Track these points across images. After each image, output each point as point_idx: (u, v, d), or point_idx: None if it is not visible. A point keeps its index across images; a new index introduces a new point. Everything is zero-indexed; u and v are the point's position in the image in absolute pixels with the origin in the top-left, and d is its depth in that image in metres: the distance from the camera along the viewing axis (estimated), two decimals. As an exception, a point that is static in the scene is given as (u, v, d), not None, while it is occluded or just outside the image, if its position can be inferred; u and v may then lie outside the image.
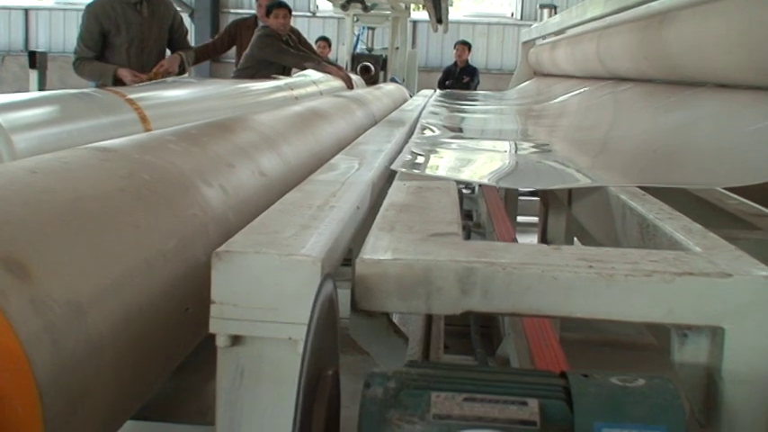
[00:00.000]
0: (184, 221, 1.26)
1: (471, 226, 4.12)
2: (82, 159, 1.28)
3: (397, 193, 1.23)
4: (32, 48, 13.13)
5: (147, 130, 2.39)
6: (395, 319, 1.75)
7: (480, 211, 3.99)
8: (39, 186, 1.06)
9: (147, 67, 4.21)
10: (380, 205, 1.20)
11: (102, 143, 1.44)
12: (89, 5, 4.25)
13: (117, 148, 1.41)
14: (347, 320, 1.26)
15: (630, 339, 3.00)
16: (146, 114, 2.27)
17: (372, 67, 8.43)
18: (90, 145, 1.42)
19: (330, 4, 8.62)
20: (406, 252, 0.83)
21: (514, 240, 2.85)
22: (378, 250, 0.83)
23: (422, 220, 1.01)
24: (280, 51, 5.64)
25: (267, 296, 0.81)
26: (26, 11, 14.21)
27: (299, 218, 1.00)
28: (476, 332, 2.40)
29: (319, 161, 2.15)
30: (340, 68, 6.16)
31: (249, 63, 5.72)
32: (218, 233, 1.31)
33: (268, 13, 5.75)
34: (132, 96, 2.38)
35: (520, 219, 4.38)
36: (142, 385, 1.07)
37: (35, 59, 7.06)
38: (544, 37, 5.88)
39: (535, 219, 3.90)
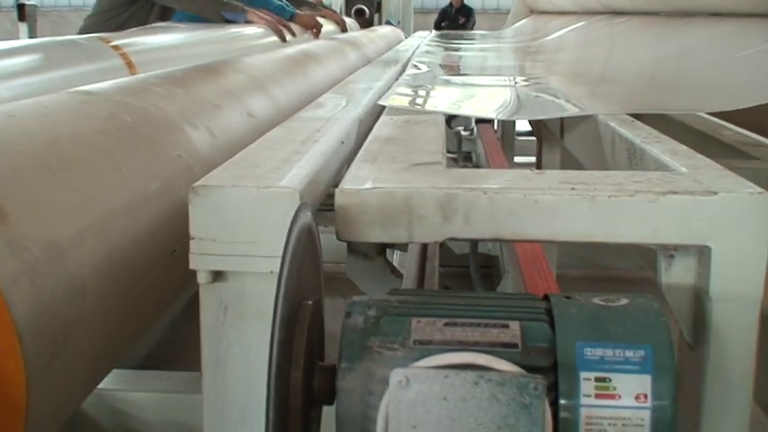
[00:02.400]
0: (168, 163, 1.24)
1: (470, 167, 4.10)
2: (61, 103, 1.26)
3: (383, 127, 1.21)
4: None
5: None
6: (395, 262, 1.75)
7: (478, 152, 3.96)
8: (16, 129, 1.04)
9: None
10: (366, 136, 1.18)
11: (83, 87, 1.42)
12: None
13: (98, 91, 1.39)
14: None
15: (630, 274, 3.00)
16: (132, 60, 2.23)
17: (367, 10, 8.31)
18: (71, 89, 1.40)
19: (322, -53, 8.44)
20: (386, 181, 0.81)
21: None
22: (358, 180, 0.82)
23: (406, 151, 0.99)
24: None
25: (247, 230, 0.79)
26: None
27: (280, 153, 0.98)
28: (475, 272, 2.40)
29: (311, 102, 2.12)
30: (313, 15, 4.70)
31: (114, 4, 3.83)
32: (204, 174, 1.30)
33: None
34: (118, 42, 2.33)
35: (517, 159, 4.36)
36: (129, 328, 1.06)
37: (24, 12, 6.95)
38: (540, -27, 5.77)
39: (533, 159, 3.87)
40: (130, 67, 2.21)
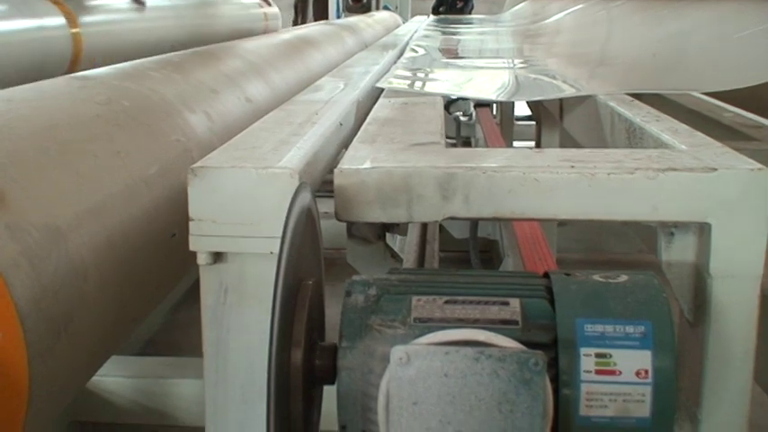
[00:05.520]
0: (166, 147, 1.24)
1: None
2: (58, 88, 1.26)
3: (381, 108, 1.21)
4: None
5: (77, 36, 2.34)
6: (396, 247, 1.75)
7: (477, 137, 3.95)
8: (13, 114, 1.04)
9: None
10: (364, 119, 1.18)
11: (79, 72, 1.41)
12: None
13: (95, 75, 1.38)
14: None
15: (631, 258, 3.00)
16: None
17: (364, -4, 8.28)
18: (68, 75, 1.40)
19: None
20: (385, 161, 0.81)
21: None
22: (357, 160, 0.81)
23: (404, 131, 0.99)
24: None
25: (246, 211, 0.79)
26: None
27: (278, 134, 0.98)
28: (475, 257, 2.40)
29: (308, 86, 2.12)
30: None
31: None
32: (202, 157, 1.30)
33: None
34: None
35: (516, 143, 4.35)
36: (129, 312, 1.06)
37: None
38: (537, -44, 5.74)
39: (532, 143, 3.86)
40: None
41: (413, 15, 7.83)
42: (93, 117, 1.13)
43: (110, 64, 2.56)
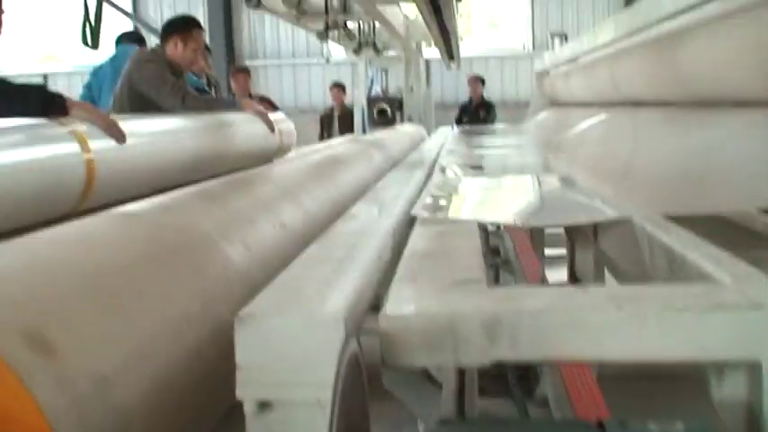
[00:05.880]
0: (207, 282, 1.26)
1: (499, 263, 4.08)
2: (102, 226, 1.29)
3: (418, 239, 1.22)
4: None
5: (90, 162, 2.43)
6: (433, 369, 1.73)
7: (507, 247, 3.96)
8: (60, 257, 1.07)
9: None
10: (402, 250, 1.19)
11: (122, 208, 1.45)
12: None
13: (136, 212, 1.42)
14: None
15: (670, 371, 2.94)
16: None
17: (389, 109, 8.50)
18: (111, 210, 1.43)
19: (342, 50, 8.69)
20: (429, 304, 0.82)
21: (543, 278, 2.82)
22: (401, 303, 0.82)
23: (444, 267, 1.00)
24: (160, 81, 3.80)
25: (293, 358, 0.79)
26: (45, 76, 14.45)
27: (320, 273, 0.99)
28: (512, 373, 2.37)
29: (340, 208, 2.15)
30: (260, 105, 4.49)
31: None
32: (242, 291, 1.31)
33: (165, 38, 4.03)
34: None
35: (548, 251, 4.33)
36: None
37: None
38: (557, 66, 5.89)
39: (563, 251, 3.85)
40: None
41: (437, 126, 7.98)
42: (137, 257, 1.15)
43: (123, 187, 2.65)
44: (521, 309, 0.79)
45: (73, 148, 2.38)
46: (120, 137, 2.60)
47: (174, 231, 1.33)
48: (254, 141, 4.26)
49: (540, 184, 1.97)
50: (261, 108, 4.16)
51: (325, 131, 9.62)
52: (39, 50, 14.70)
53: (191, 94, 3.87)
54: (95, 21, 3.16)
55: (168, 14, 8.24)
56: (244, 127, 4.03)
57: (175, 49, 3.96)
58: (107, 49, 5.27)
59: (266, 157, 4.38)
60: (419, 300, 0.84)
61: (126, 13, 8.85)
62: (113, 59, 4.90)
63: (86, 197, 2.45)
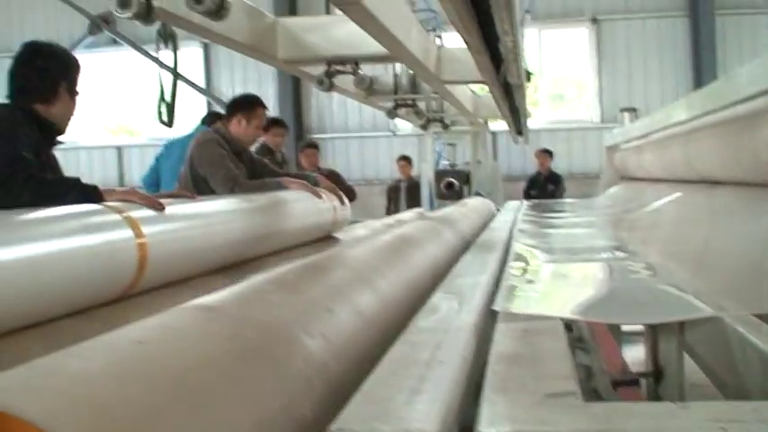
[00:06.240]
0: (289, 378, 1.26)
1: (573, 340, 3.99)
2: (185, 322, 1.30)
3: (502, 339, 1.20)
4: (126, 183, 13.77)
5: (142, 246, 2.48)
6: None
7: (580, 324, 3.87)
8: (147, 359, 1.08)
9: None
10: (485, 349, 1.17)
11: (203, 301, 1.46)
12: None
13: (218, 306, 1.43)
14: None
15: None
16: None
17: (456, 183, 8.52)
18: (192, 303, 1.45)
19: (409, 123, 8.80)
20: (524, 423, 0.79)
21: (623, 365, 2.74)
22: (495, 422, 0.80)
23: (534, 375, 0.98)
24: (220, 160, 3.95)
25: (384, 475, 0.78)
26: (119, 148, 14.93)
27: (407, 379, 0.98)
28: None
29: (414, 292, 2.14)
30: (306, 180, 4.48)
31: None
32: (322, 385, 1.30)
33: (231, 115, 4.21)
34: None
35: (624, 327, 4.22)
36: None
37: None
38: (628, 141, 5.84)
39: (640, 326, 3.74)
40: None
41: (505, 198, 7.95)
42: (221, 355, 1.16)
43: (175, 268, 2.69)
44: (622, 430, 0.76)
45: (126, 234, 2.46)
46: (158, 208, 2.69)
47: (257, 326, 1.34)
48: (307, 218, 4.30)
49: (622, 272, 1.93)
50: (301, 182, 4.27)
51: (392, 204, 9.69)
52: (112, 122, 15.22)
53: (240, 183, 3.94)
54: (171, 98, 3.27)
55: (240, 91, 8.48)
56: (293, 204, 4.09)
57: (239, 127, 4.07)
58: (182, 123, 5.43)
59: (322, 230, 4.49)
60: (513, 417, 0.82)
61: (200, 90, 9.13)
62: (189, 137, 5.00)
63: (138, 280, 2.52)
